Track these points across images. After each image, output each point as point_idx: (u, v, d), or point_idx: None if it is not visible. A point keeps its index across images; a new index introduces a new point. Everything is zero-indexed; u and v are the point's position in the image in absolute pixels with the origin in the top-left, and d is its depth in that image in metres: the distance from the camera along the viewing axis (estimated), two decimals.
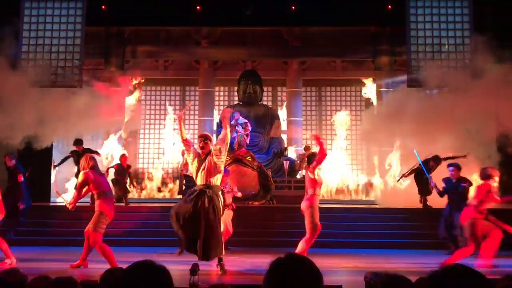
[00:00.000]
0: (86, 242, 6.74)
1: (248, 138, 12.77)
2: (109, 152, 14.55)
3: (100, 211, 6.61)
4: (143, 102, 16.57)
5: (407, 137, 12.42)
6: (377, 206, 12.15)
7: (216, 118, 15.61)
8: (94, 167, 6.75)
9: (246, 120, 13.10)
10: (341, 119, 15.94)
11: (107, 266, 5.36)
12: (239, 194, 8.56)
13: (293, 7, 14.30)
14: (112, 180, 11.72)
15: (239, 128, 12.73)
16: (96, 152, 11.82)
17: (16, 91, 11.40)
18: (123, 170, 12.15)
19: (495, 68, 11.14)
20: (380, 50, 14.91)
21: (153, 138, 16.82)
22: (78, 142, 11.96)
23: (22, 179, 9.54)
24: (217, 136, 14.39)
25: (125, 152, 13.39)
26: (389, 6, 14.15)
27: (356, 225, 9.97)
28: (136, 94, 15.78)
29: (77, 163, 12.08)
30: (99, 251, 6.50)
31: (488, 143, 11.52)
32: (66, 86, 12.80)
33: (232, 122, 13.08)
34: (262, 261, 6.11)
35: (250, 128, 12.89)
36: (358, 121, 16.25)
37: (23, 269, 2.76)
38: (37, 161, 12.26)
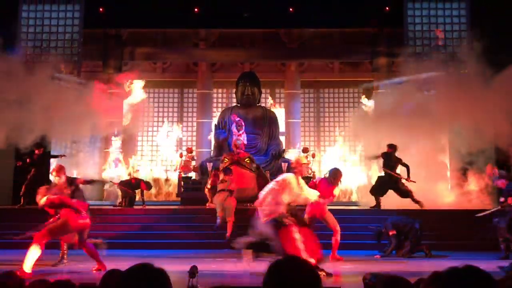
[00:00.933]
0: (86, 250, 6.70)
1: (244, 137, 12.74)
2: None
3: (65, 219, 6.51)
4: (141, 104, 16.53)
5: (396, 137, 12.51)
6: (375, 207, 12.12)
7: (215, 120, 15.61)
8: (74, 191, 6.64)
9: (239, 119, 13.09)
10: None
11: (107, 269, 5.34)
12: None
13: (291, 9, 14.33)
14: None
15: (234, 128, 12.75)
16: (59, 156, 11.87)
17: (17, 93, 11.41)
18: (137, 186, 11.93)
19: (491, 69, 11.19)
20: (378, 51, 14.91)
21: (151, 140, 16.79)
22: (39, 145, 11.56)
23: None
24: (214, 137, 14.50)
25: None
26: (387, 8, 14.18)
27: (354, 227, 9.94)
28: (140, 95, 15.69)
29: (31, 165, 11.59)
30: (32, 248, 6.29)
31: (485, 143, 11.56)
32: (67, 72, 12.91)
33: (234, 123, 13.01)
34: (260, 262, 6.10)
35: (243, 128, 12.91)
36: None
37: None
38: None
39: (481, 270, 1.59)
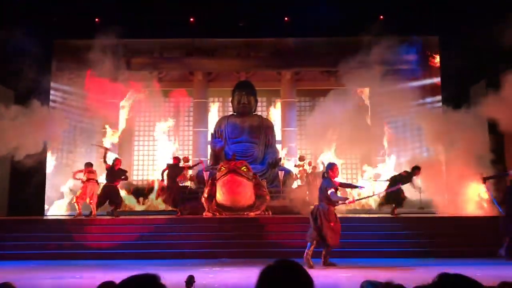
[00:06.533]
0: None
1: None
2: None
3: None
4: (136, 113, 16.51)
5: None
6: (372, 216, 12.14)
7: (210, 129, 15.60)
8: None
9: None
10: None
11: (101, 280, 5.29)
12: None
13: (286, 18, 14.41)
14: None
15: None
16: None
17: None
18: (120, 174, 11.89)
19: None
20: (372, 59, 14.90)
21: (147, 149, 16.74)
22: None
23: None
24: (211, 146, 14.49)
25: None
26: (381, 16, 14.27)
27: (351, 235, 9.91)
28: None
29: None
30: None
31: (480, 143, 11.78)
32: None
33: None
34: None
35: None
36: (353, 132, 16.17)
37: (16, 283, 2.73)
38: (30, 174, 12.20)
39: (467, 277, 1.54)
